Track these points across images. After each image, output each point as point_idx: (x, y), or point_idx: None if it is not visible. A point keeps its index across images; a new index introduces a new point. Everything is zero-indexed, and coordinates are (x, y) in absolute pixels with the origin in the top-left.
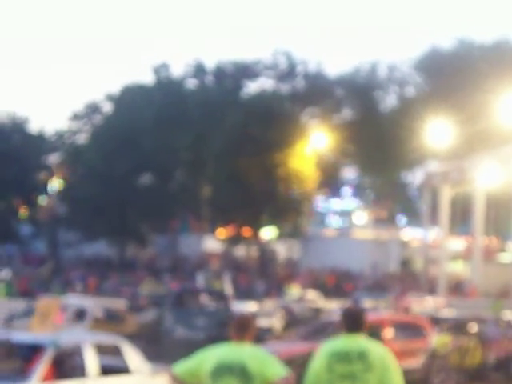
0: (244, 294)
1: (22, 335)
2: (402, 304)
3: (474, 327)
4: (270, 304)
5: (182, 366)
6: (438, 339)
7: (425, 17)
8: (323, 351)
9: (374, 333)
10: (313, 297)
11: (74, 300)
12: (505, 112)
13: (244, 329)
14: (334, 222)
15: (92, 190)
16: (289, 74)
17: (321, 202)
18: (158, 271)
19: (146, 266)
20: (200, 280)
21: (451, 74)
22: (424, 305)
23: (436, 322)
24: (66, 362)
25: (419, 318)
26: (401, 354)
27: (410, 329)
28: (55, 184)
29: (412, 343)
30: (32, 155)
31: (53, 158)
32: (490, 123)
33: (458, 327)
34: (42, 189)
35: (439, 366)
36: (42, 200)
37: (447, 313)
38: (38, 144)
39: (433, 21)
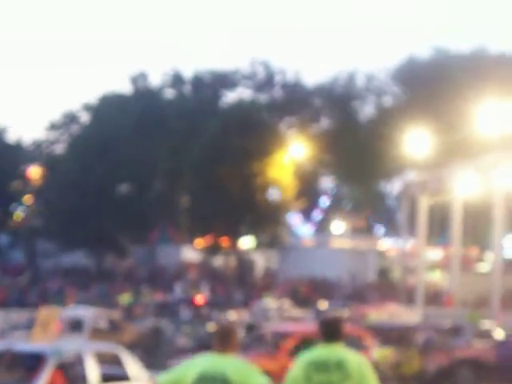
0: (222, 303)
1: (24, 345)
2: (358, 313)
3: (418, 336)
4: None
5: (166, 377)
6: (378, 351)
7: (402, 26)
8: (301, 360)
9: (308, 345)
10: (287, 306)
11: (70, 311)
12: (483, 121)
13: (226, 339)
14: (311, 231)
15: (70, 199)
16: (267, 83)
17: (298, 213)
18: (137, 281)
19: (124, 277)
20: (178, 290)
21: (429, 84)
22: (384, 313)
23: (380, 332)
24: (68, 371)
25: (358, 330)
26: None
27: (347, 341)
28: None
29: None
30: (9, 165)
31: (30, 168)
32: (467, 132)
33: (400, 337)
34: (20, 199)
35: (379, 379)
36: (20, 210)
37: (392, 322)
38: (16, 154)
39: (410, 30)
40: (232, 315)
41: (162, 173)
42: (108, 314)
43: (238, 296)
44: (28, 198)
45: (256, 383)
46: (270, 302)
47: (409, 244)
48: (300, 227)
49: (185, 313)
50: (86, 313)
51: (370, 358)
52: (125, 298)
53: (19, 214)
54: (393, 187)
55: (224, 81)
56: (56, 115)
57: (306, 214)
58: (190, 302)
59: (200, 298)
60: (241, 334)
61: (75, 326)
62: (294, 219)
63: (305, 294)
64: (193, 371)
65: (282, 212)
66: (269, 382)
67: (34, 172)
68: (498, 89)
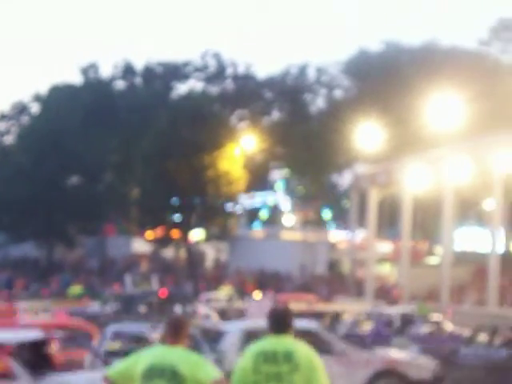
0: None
1: None
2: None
3: None
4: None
5: (115, 369)
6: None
7: (353, 20)
8: (250, 351)
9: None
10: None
11: None
12: (432, 115)
13: (178, 331)
14: (261, 223)
15: (19, 190)
16: (218, 75)
17: (247, 199)
18: (86, 273)
19: (73, 268)
20: (128, 282)
21: (379, 77)
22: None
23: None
24: None
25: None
26: (65, 366)
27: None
28: None
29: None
30: None
31: None
32: (418, 126)
33: None
34: None
35: None
36: None
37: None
38: None
39: (361, 24)
40: (200, 308)
41: (113, 164)
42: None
43: (188, 288)
44: None
45: (207, 376)
46: (220, 295)
47: (359, 237)
48: (250, 219)
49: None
50: None
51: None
52: (75, 290)
53: None
54: (343, 179)
55: (175, 73)
56: (6, 106)
57: (257, 205)
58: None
59: (163, 292)
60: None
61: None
62: (244, 211)
63: (252, 286)
64: (142, 363)
65: (232, 204)
66: (220, 375)
67: None
68: (449, 82)
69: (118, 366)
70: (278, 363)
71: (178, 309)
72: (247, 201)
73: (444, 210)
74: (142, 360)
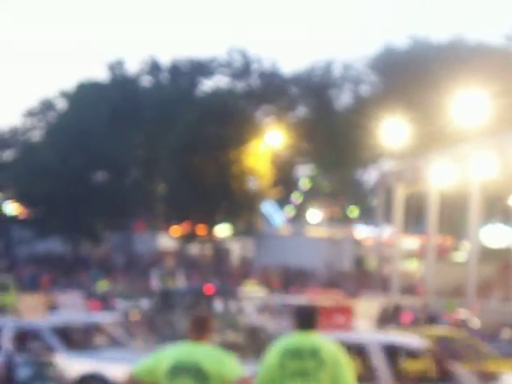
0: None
1: None
2: None
3: None
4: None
5: (140, 366)
6: None
7: (380, 15)
8: (276, 348)
9: None
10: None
11: None
12: (459, 111)
13: (202, 328)
14: (287, 219)
15: (46, 187)
16: (244, 71)
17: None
18: (112, 269)
19: (99, 264)
20: (154, 278)
21: (406, 73)
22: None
23: None
24: None
25: None
26: None
27: None
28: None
29: None
30: None
31: (6, 155)
32: (444, 122)
33: None
34: None
35: None
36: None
37: None
38: None
39: (388, 19)
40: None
41: (139, 160)
42: None
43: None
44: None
45: (231, 373)
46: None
47: (385, 233)
48: (276, 215)
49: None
50: None
51: None
52: (103, 285)
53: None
54: (369, 176)
55: (201, 69)
56: (33, 102)
57: (282, 202)
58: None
59: (210, 288)
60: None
61: None
62: (270, 207)
63: (278, 282)
64: (167, 360)
65: (258, 200)
66: (244, 372)
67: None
68: (475, 78)
69: (144, 362)
70: (304, 359)
71: (222, 305)
72: (273, 197)
73: (470, 207)
74: (166, 357)
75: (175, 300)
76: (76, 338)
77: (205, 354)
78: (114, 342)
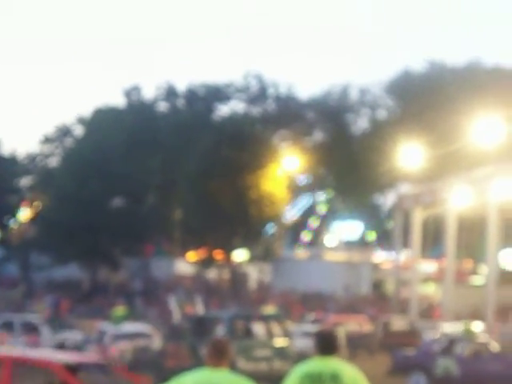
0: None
1: None
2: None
3: None
4: None
5: None
6: None
7: (396, 39)
8: (296, 373)
9: None
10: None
11: None
12: (476, 134)
13: (221, 353)
14: (305, 244)
15: (64, 213)
16: (260, 96)
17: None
18: (130, 294)
19: (117, 290)
20: (172, 303)
21: (423, 97)
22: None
23: None
24: None
25: None
26: None
27: None
28: (27, 209)
29: None
30: (4, 178)
31: (24, 181)
32: (461, 145)
33: None
34: (14, 212)
35: None
36: (14, 223)
37: None
38: (10, 167)
39: (404, 43)
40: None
41: (156, 186)
42: None
43: (233, 308)
44: (22, 212)
45: None
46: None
47: (403, 256)
48: (293, 240)
49: None
50: None
51: None
52: (119, 312)
53: (14, 227)
54: (386, 200)
55: (217, 94)
56: (50, 128)
57: (300, 227)
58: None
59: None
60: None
61: None
62: (287, 232)
63: (299, 307)
64: None
65: (275, 225)
66: None
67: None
68: (492, 101)
69: None
70: None
71: (266, 331)
72: (290, 221)
73: (488, 229)
74: (186, 383)
75: (206, 325)
76: None
77: (225, 379)
78: None
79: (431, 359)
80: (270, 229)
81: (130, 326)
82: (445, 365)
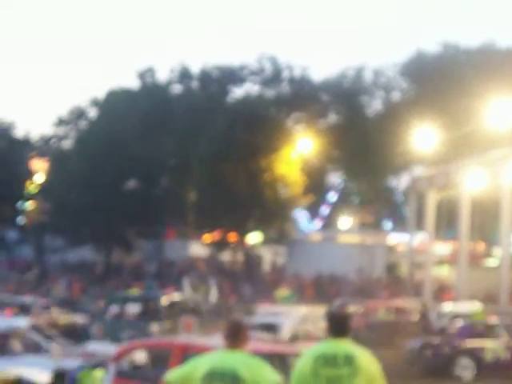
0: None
1: None
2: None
3: None
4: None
5: (175, 373)
6: None
7: (410, 21)
8: (309, 354)
9: None
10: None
11: None
12: (490, 116)
13: (237, 335)
14: (319, 226)
15: (77, 195)
16: (274, 79)
17: (305, 208)
18: (144, 276)
19: (131, 272)
20: (186, 285)
21: (437, 79)
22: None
23: None
24: None
25: None
26: None
27: None
28: (36, 180)
29: None
30: (18, 161)
31: (34, 161)
32: (475, 128)
33: None
34: (28, 194)
35: None
36: (28, 206)
37: None
38: (24, 149)
39: (418, 25)
40: None
41: (170, 168)
42: None
43: (247, 291)
44: (33, 190)
45: (267, 379)
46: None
47: (417, 239)
48: (307, 222)
49: None
50: None
51: None
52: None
53: (28, 209)
54: (400, 182)
55: (231, 76)
56: (64, 110)
57: (314, 209)
58: None
59: None
60: None
61: None
62: (302, 214)
63: (310, 292)
64: (202, 367)
65: (289, 207)
66: (280, 379)
67: (39, 165)
68: (506, 84)
69: (178, 370)
70: (339, 366)
71: None
72: (304, 204)
73: (502, 212)
74: (201, 364)
75: None
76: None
77: (240, 360)
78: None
79: (477, 343)
80: (286, 211)
81: None
82: (493, 349)
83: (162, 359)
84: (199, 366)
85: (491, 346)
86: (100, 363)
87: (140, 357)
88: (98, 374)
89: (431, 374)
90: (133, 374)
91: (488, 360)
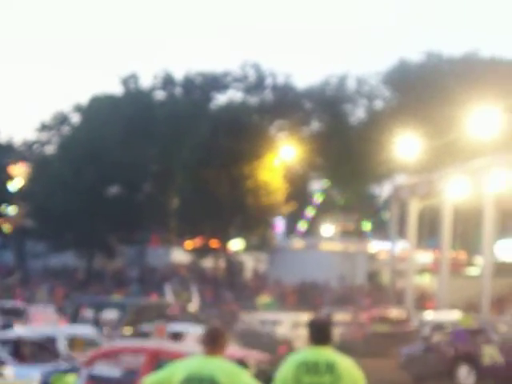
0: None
1: None
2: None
3: None
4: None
5: (152, 378)
6: None
7: (393, 30)
8: (291, 361)
9: None
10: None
11: None
12: (473, 125)
13: (215, 341)
14: (301, 233)
15: (60, 200)
16: (257, 86)
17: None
18: (126, 282)
19: (113, 277)
20: (168, 291)
21: (420, 88)
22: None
23: None
24: None
25: None
26: None
27: None
28: (15, 183)
29: None
30: (4, 164)
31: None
32: (458, 136)
33: None
34: (10, 200)
35: None
36: (10, 210)
37: None
38: (6, 154)
39: (401, 34)
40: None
41: (152, 174)
42: None
43: (228, 298)
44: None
45: None
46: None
47: (398, 247)
48: (289, 230)
49: None
50: None
51: None
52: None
53: (9, 214)
54: (383, 190)
55: (215, 83)
56: (47, 116)
57: (296, 216)
58: None
59: None
60: None
61: None
62: (283, 222)
63: (292, 297)
64: (180, 373)
65: (271, 215)
66: None
67: (18, 170)
68: (489, 93)
69: (155, 376)
70: (320, 374)
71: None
72: (286, 211)
73: (484, 221)
74: (179, 370)
75: None
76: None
77: (219, 367)
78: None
79: (476, 348)
80: (268, 218)
81: None
82: (490, 353)
83: (133, 364)
84: (177, 371)
85: (488, 351)
86: (72, 368)
87: (112, 361)
88: (70, 378)
89: (431, 378)
90: (104, 379)
91: (486, 364)
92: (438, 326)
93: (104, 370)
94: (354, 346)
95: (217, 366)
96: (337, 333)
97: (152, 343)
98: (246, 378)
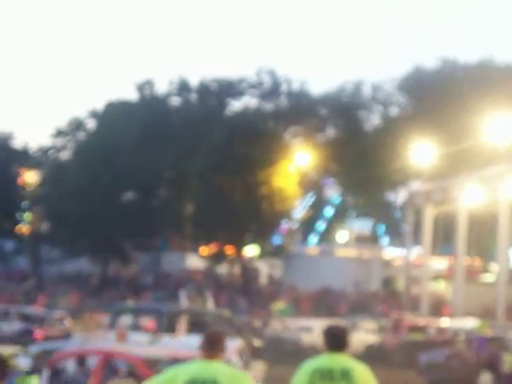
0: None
1: None
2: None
3: None
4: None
5: (154, 382)
6: None
7: (408, 36)
8: (305, 368)
9: None
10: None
11: None
12: (488, 132)
13: (215, 346)
14: (316, 240)
15: (75, 206)
16: (273, 92)
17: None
18: (141, 288)
19: (128, 284)
20: (183, 297)
21: (435, 94)
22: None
23: None
24: None
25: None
26: None
27: None
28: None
29: None
30: (16, 171)
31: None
32: (473, 143)
33: None
34: (26, 205)
35: None
36: (26, 216)
37: None
38: (22, 160)
39: (416, 40)
40: None
41: (167, 181)
42: None
43: (243, 304)
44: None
45: None
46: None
47: (413, 254)
48: (304, 235)
49: None
50: None
51: None
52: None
53: (25, 220)
54: (398, 197)
55: (230, 89)
56: (62, 122)
57: (311, 223)
58: None
59: None
60: None
61: None
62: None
63: (307, 306)
64: (182, 377)
65: (286, 221)
66: None
67: (29, 177)
68: (505, 99)
69: (156, 379)
70: (335, 380)
71: None
72: (301, 217)
73: (500, 228)
74: (180, 374)
75: None
76: None
77: (220, 370)
78: None
79: (497, 355)
80: (283, 225)
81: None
82: (510, 360)
83: (91, 366)
84: (179, 375)
85: (508, 358)
86: (35, 369)
87: (72, 363)
88: (33, 380)
89: None
90: (65, 380)
91: (506, 372)
92: (456, 332)
93: (64, 371)
94: (389, 355)
95: (218, 369)
96: (365, 340)
97: (108, 346)
98: (246, 381)
